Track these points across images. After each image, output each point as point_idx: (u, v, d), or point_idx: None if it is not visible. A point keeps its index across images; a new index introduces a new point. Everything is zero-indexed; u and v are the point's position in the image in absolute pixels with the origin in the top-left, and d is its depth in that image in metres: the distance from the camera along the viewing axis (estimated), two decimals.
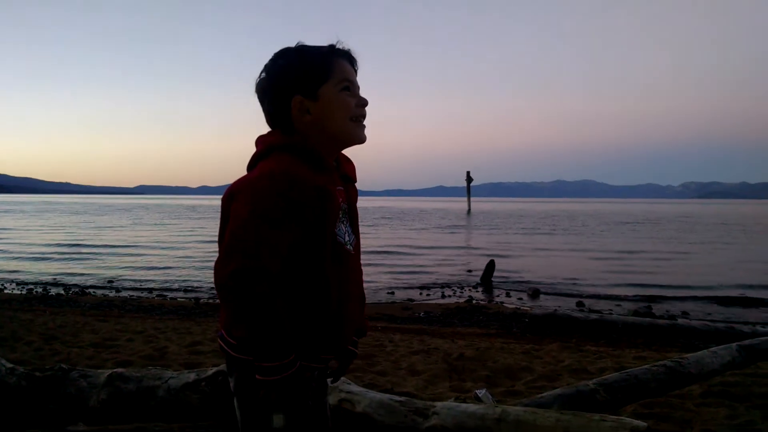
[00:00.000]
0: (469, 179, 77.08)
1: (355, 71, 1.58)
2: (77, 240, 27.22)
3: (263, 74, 1.55)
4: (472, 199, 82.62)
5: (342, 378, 2.84)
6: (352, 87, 1.54)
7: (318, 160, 1.48)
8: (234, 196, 1.45)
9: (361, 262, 1.67)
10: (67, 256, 20.83)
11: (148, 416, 3.01)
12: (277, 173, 1.40)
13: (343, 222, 1.55)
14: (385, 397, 2.53)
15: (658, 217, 62.51)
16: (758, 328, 9.10)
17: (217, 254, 1.46)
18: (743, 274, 16.63)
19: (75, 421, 2.96)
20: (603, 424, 2.06)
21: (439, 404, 2.41)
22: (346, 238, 1.55)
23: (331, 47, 1.55)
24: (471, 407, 2.34)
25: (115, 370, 3.38)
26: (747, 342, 4.44)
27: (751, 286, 14.59)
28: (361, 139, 1.57)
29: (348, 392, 2.57)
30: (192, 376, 3.08)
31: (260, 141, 1.54)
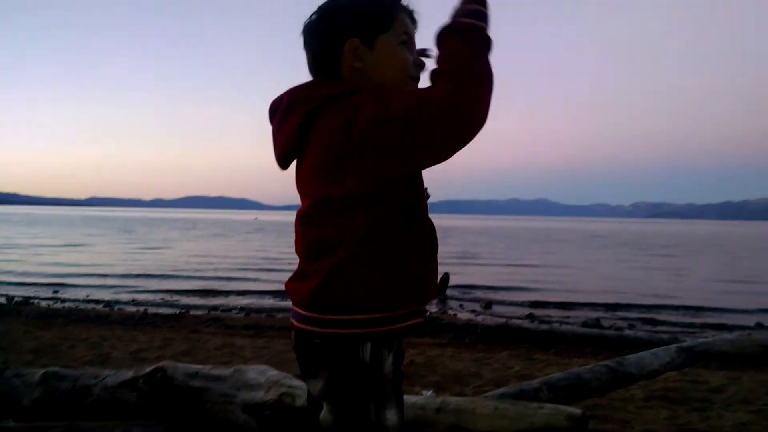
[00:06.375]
0: (426, 195, 76.94)
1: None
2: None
3: (315, 15, 1.43)
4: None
5: (284, 374, 2.82)
6: (411, 43, 1.43)
7: None
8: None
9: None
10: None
11: (83, 415, 2.91)
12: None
13: None
14: None
15: (608, 236, 63.89)
16: (700, 340, 9.39)
17: None
18: (689, 291, 17.13)
19: (6, 419, 2.84)
20: (540, 411, 2.09)
21: None
22: None
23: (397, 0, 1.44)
24: (413, 398, 2.34)
25: (50, 368, 3.27)
26: (686, 344, 4.58)
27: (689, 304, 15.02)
28: None
29: (289, 386, 2.54)
30: (129, 373, 3.00)
31: (308, 93, 1.36)
